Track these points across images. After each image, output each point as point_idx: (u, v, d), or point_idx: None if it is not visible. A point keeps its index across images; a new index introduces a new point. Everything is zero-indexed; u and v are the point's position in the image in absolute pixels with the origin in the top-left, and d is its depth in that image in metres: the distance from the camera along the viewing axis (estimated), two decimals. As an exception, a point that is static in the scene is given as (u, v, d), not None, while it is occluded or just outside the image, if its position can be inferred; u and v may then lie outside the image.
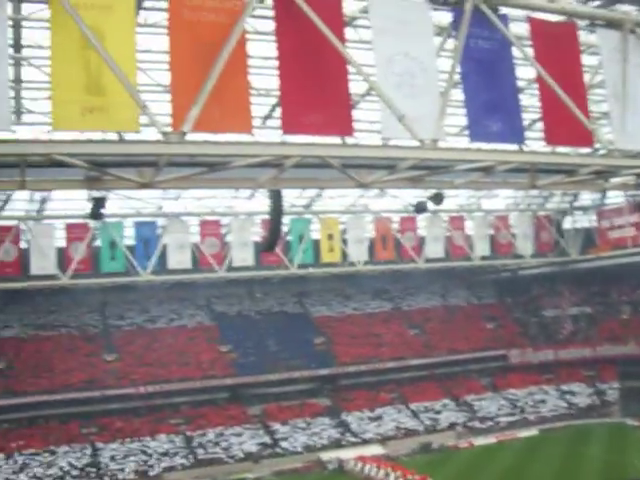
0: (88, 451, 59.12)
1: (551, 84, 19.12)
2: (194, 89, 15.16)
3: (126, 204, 47.90)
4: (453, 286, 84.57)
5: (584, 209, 66.59)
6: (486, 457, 56.85)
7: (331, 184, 23.40)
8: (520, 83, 24.64)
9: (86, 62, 14.85)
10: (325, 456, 59.60)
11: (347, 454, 58.33)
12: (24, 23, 28.67)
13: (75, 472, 56.39)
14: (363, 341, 74.42)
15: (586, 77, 21.25)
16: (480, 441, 62.31)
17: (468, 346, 75.01)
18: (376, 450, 60.04)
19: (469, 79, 19.07)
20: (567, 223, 67.70)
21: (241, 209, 51.61)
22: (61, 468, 56.57)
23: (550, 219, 64.86)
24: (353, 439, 63.57)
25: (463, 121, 26.55)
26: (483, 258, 53.35)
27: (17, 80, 31.67)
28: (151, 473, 57.24)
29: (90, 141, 16.94)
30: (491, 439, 62.61)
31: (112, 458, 58.34)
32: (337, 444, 62.58)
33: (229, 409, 66.48)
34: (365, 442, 62.82)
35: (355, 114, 19.57)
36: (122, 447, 59.82)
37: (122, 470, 57.02)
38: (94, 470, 56.91)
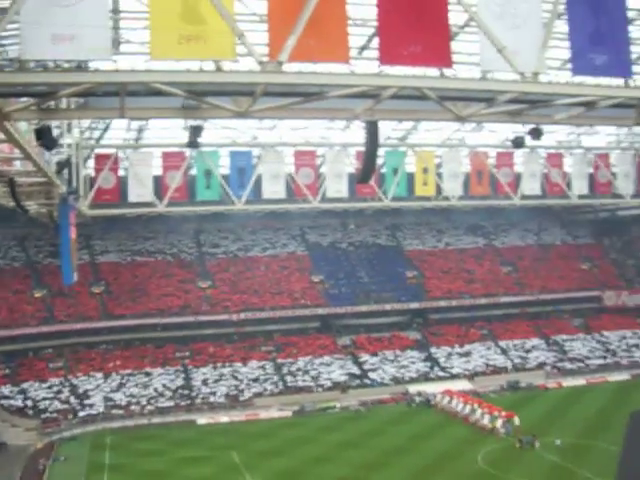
0: (181, 374, 61.11)
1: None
2: (291, 18, 14.97)
3: (222, 133, 48.23)
4: (548, 224, 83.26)
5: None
6: (575, 399, 56.48)
7: (427, 116, 22.94)
8: (629, 14, 23.38)
9: (183, -10, 14.86)
10: (412, 389, 60.22)
11: (434, 388, 58.78)
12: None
13: (169, 393, 58.53)
14: (455, 276, 74.31)
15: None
16: (569, 382, 61.99)
17: (561, 286, 74.03)
18: (463, 386, 60.32)
19: (574, 9, 18.20)
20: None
21: (336, 140, 51.25)
22: (155, 389, 58.73)
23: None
24: (441, 373, 64.03)
25: (566, 54, 25.70)
26: (581, 197, 51.68)
27: (115, 10, 32.00)
28: (241, 398, 58.84)
29: (188, 70, 16.98)
30: (580, 381, 62.18)
31: (204, 382, 60.21)
32: (425, 378, 63.18)
33: (319, 339, 67.54)
34: (453, 377, 63.30)
35: (453, 46, 19.02)
36: (214, 372, 61.64)
37: (213, 394, 58.82)
38: (186, 392, 58.92)
